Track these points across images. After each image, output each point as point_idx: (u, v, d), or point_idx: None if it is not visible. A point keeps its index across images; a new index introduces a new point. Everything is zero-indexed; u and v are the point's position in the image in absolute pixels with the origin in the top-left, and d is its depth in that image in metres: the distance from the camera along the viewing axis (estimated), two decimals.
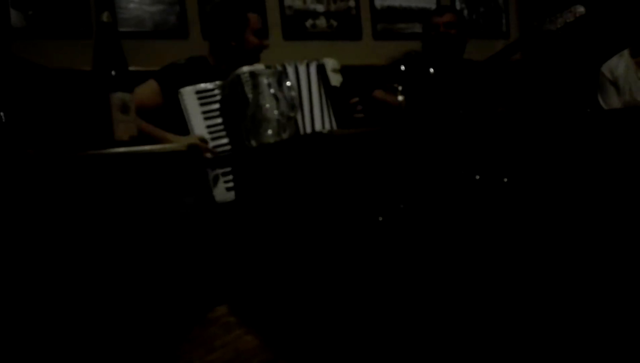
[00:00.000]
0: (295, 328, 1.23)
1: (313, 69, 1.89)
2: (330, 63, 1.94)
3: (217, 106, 1.93)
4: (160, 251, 1.31)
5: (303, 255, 1.18)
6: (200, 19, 2.69)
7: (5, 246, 1.11)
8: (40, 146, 1.71)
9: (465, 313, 1.10)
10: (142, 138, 1.37)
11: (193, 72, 2.08)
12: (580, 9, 2.04)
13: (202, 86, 1.94)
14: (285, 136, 1.39)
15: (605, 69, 2.72)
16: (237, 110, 1.85)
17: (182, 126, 1.94)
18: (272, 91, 1.41)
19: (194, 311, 1.43)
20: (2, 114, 1.52)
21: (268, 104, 1.39)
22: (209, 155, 1.89)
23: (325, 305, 1.10)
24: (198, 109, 1.92)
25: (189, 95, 1.91)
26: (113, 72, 1.29)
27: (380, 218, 1.06)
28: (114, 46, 1.31)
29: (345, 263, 1.05)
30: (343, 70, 2.91)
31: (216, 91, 1.94)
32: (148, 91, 2.07)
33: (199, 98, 1.93)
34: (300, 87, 1.86)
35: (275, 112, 1.39)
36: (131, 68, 1.34)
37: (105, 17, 1.32)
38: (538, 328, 1.14)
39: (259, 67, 1.86)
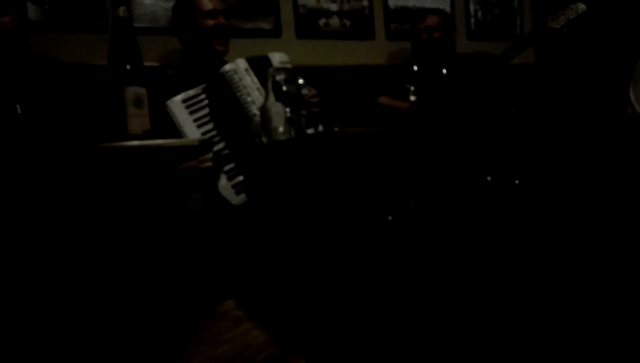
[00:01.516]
0: (304, 323, 1.24)
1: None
2: (277, 57, 1.89)
3: (207, 111, 1.85)
4: (169, 244, 1.32)
5: (312, 250, 1.19)
6: None
7: (20, 236, 1.12)
8: (55, 138, 1.73)
9: (474, 311, 1.10)
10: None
11: (176, 79, 2.01)
12: (582, 6, 2.03)
13: (188, 93, 1.85)
14: (295, 133, 1.40)
15: None
16: (229, 110, 1.80)
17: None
18: (284, 88, 1.41)
19: (202, 305, 1.44)
20: (18, 106, 1.54)
21: (279, 102, 1.39)
22: (208, 164, 1.84)
23: (335, 301, 1.11)
24: (189, 118, 1.83)
25: (177, 106, 1.82)
26: (128, 67, 1.30)
27: (390, 217, 1.07)
28: (129, 41, 1.33)
29: (355, 259, 1.06)
30: (355, 69, 2.93)
31: (202, 96, 1.86)
32: None
33: (187, 107, 1.84)
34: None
35: (287, 109, 1.39)
36: (145, 64, 1.36)
37: (121, 11, 1.33)
38: (547, 329, 1.13)
39: (240, 62, 1.83)
